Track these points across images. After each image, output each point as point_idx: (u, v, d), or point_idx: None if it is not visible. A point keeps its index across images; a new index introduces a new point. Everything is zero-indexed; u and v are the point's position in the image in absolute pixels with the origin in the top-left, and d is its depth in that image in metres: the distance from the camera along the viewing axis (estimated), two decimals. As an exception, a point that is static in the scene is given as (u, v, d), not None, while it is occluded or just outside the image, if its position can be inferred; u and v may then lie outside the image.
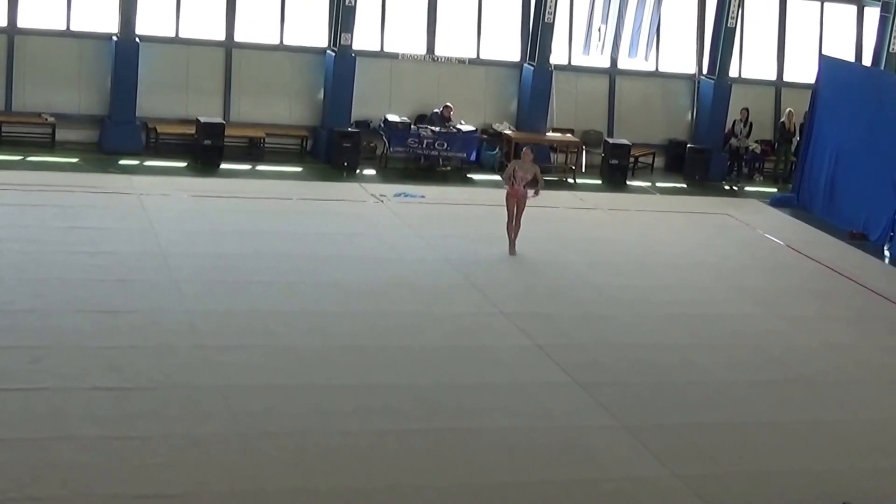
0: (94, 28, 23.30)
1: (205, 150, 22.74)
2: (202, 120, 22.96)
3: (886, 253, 21.91)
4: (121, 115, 22.94)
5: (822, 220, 23.50)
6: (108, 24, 23.13)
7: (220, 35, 24.23)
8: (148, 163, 22.55)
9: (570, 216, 21.85)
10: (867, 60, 27.94)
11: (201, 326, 14.41)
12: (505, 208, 18.79)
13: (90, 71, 23.31)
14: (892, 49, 27.45)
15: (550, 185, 22.23)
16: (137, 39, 22.93)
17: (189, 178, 21.81)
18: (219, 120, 23.34)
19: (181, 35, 23.97)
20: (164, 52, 23.67)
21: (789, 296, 18.56)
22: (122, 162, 22.21)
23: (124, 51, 22.82)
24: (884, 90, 23.29)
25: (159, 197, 20.05)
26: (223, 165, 22.71)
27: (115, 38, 22.92)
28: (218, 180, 21.93)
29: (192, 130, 23.14)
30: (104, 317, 14.39)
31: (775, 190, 26.02)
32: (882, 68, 27.00)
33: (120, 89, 22.90)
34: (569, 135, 25.98)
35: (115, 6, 22.93)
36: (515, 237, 18.67)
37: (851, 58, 28.04)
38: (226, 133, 23.07)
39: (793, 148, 26.73)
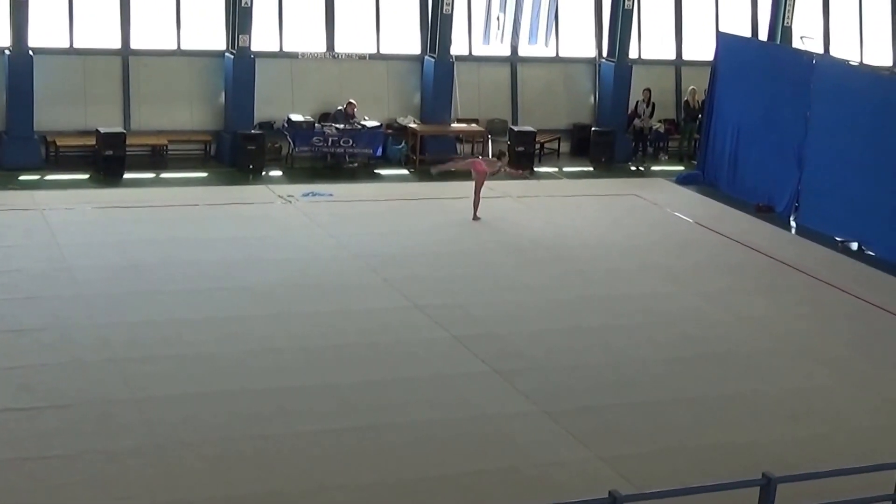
0: (-14, 43, 22.89)
1: (106, 160, 22.39)
2: (102, 130, 22.59)
3: (793, 223, 22.21)
4: (18, 129, 22.50)
5: (729, 195, 23.76)
6: (0, 37, 22.68)
7: (116, 43, 23.85)
8: (49, 177, 22.14)
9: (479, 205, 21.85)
10: (763, 35, 28.32)
11: (113, 339, 14.21)
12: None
13: (-17, 86, 22.88)
14: (787, 23, 27.90)
15: (457, 177, 22.30)
16: (31, 52, 22.51)
17: (92, 190, 21.46)
18: (119, 129, 22.97)
19: (76, 45, 23.56)
20: (59, 63, 23.25)
21: (700, 272, 18.75)
22: (22, 177, 21.79)
23: (18, 64, 22.38)
24: (780, 64, 23.56)
25: (63, 211, 19.73)
26: (126, 175, 22.38)
27: (7, 51, 22.46)
28: (122, 191, 21.61)
29: (92, 142, 22.76)
30: (12, 336, 14.14)
31: (681, 168, 26.21)
32: (778, 42, 27.41)
33: (15, 104, 22.46)
34: (474, 125, 26.00)
35: (5, 19, 22.49)
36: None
37: (748, 33, 28.40)
38: (127, 142, 22.69)
39: (697, 125, 26.96)
